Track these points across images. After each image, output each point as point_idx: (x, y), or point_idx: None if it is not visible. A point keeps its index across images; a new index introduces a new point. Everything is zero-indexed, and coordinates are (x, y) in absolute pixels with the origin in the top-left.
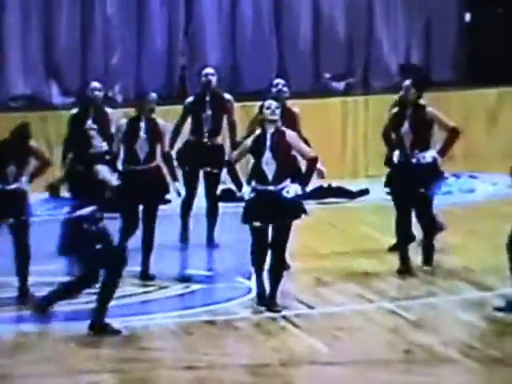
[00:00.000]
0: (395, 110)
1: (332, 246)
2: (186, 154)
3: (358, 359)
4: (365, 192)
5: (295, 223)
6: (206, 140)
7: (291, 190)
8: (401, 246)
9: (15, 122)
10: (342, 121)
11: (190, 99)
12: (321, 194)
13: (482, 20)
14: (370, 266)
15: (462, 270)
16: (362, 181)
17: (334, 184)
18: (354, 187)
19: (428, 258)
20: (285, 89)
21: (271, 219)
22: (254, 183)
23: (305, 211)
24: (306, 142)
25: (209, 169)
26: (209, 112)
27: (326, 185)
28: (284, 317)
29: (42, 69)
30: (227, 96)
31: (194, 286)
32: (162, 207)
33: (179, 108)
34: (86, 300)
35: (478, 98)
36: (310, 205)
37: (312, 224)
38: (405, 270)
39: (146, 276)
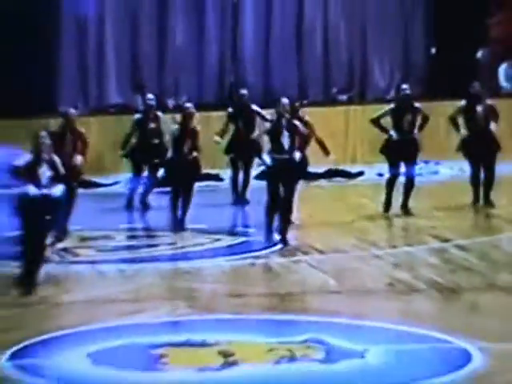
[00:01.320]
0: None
1: (338, 211)
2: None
3: (355, 289)
4: (361, 173)
5: (311, 196)
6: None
7: (297, 156)
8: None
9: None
10: (345, 123)
11: (230, 109)
12: (329, 174)
13: (442, 53)
14: (367, 226)
15: (428, 228)
16: (359, 165)
17: (339, 167)
18: (353, 170)
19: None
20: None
21: (285, 179)
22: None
23: (305, 175)
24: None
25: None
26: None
27: (333, 168)
28: (303, 260)
29: (130, 84)
30: (254, 107)
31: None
32: None
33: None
34: None
35: (440, 107)
36: (322, 183)
37: (324, 196)
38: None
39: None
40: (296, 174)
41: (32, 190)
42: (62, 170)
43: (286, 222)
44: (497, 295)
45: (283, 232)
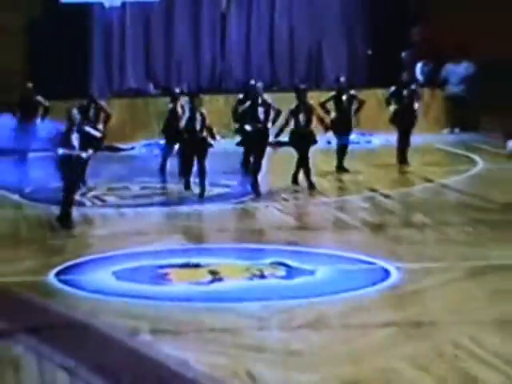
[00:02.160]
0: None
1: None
2: None
3: (309, 226)
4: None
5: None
6: None
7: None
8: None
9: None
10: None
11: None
12: None
13: (377, 53)
14: (318, 180)
15: (362, 181)
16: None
17: None
18: None
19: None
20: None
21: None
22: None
23: (316, 141)
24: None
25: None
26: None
27: None
28: (271, 205)
29: (143, 72)
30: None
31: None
32: None
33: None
34: None
35: (375, 93)
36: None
37: (289, 160)
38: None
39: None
40: (267, 141)
41: (67, 152)
42: (94, 134)
43: (256, 178)
44: (411, 229)
45: (256, 185)
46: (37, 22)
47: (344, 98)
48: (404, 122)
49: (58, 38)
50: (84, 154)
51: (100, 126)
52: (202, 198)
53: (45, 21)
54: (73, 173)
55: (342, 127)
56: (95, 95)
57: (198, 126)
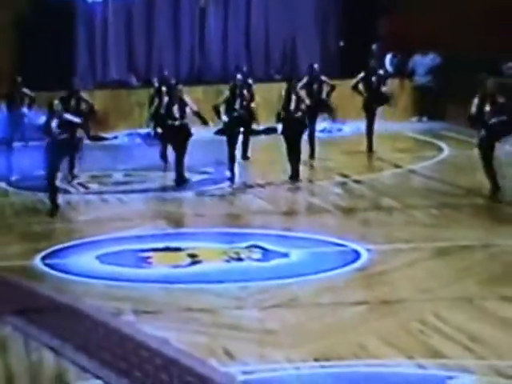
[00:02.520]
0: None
1: (273, 158)
2: None
3: (284, 211)
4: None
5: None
6: None
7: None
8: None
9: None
10: (279, 95)
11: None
12: (268, 131)
13: (348, 44)
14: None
15: (334, 168)
16: None
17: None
18: None
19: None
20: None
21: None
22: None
23: (306, 126)
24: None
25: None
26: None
27: (271, 126)
28: (248, 191)
29: (125, 64)
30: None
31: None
32: None
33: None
34: None
35: (346, 83)
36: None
37: (265, 147)
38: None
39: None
40: (245, 126)
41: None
42: (75, 120)
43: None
44: (380, 213)
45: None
46: (23, 17)
47: (315, 84)
48: (374, 106)
49: (43, 32)
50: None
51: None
52: (178, 185)
53: (31, 16)
54: (55, 160)
55: (313, 113)
56: (77, 86)
57: (176, 114)
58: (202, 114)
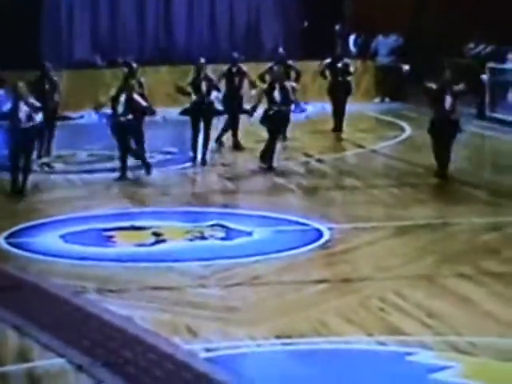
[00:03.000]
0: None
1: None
2: None
3: (247, 190)
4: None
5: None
6: None
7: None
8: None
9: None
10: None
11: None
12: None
13: (311, 25)
14: (256, 147)
15: (298, 148)
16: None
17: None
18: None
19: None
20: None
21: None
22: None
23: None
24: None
25: None
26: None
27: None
28: (212, 170)
29: (90, 44)
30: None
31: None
32: None
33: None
34: None
35: (310, 65)
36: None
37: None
38: None
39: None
40: (211, 111)
41: (15, 124)
42: (38, 106)
43: (205, 147)
44: (343, 192)
45: (204, 154)
46: None
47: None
48: (339, 93)
49: (9, 11)
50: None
51: (56, 96)
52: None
53: None
54: (18, 143)
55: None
56: (48, 68)
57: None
58: (168, 92)
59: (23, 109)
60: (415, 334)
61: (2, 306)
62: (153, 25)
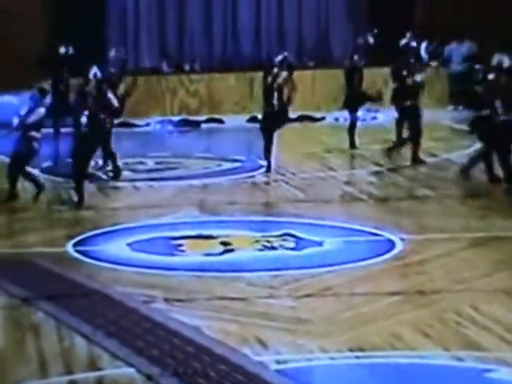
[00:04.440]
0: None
1: (306, 145)
2: None
3: (317, 199)
4: (323, 118)
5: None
6: None
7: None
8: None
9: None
10: (312, 82)
11: None
12: (301, 118)
13: (382, 33)
14: (325, 155)
15: (369, 156)
16: (322, 112)
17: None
18: (317, 115)
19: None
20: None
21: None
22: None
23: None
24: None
25: None
26: None
27: (303, 114)
28: (280, 179)
29: (157, 50)
30: None
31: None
32: None
33: None
34: None
35: (379, 72)
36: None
37: (296, 135)
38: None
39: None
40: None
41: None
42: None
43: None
44: (415, 202)
45: (269, 160)
46: (55, 3)
47: (356, 74)
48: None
49: (75, 18)
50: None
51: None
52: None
53: (63, 3)
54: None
55: (354, 103)
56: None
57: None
58: (236, 100)
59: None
60: (494, 350)
61: (69, 314)
62: (220, 32)
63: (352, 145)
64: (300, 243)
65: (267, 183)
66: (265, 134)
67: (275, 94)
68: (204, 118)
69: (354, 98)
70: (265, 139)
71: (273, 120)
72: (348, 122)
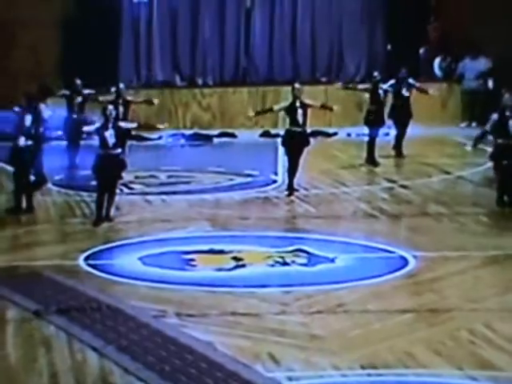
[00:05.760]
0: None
1: (319, 161)
2: None
3: (329, 215)
4: (335, 133)
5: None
6: None
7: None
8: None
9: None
10: (325, 97)
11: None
12: (314, 134)
13: (396, 49)
14: (338, 171)
15: (381, 172)
16: (334, 127)
17: (321, 129)
18: (330, 131)
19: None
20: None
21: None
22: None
23: (309, 142)
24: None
25: None
26: None
27: (316, 129)
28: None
29: (170, 64)
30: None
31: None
32: None
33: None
34: None
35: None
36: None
37: (309, 150)
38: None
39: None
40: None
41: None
42: (130, 126)
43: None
44: (427, 220)
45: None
46: (69, 17)
47: (380, 91)
48: (401, 116)
49: (89, 32)
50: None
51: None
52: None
53: (77, 16)
54: (107, 173)
55: (377, 119)
56: (122, 88)
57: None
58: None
59: (111, 133)
60: (508, 370)
61: (81, 327)
62: (233, 46)
63: (372, 162)
64: (312, 259)
65: (279, 198)
66: (289, 154)
67: (298, 114)
68: (216, 132)
69: (376, 115)
70: (288, 159)
71: (294, 140)
72: (367, 139)
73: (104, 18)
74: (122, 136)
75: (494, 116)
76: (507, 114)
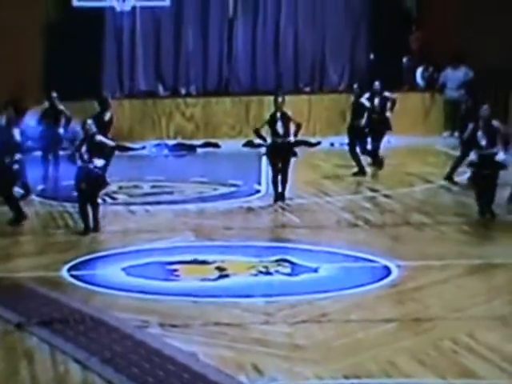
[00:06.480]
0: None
1: (302, 170)
2: None
3: (312, 225)
4: (319, 143)
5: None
6: None
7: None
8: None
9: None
10: (308, 107)
11: None
12: (297, 143)
13: (378, 59)
14: (321, 180)
15: (364, 182)
16: (318, 137)
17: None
18: (313, 140)
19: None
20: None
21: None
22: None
23: (296, 154)
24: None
25: None
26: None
27: (299, 139)
28: (276, 204)
29: (153, 74)
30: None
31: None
32: None
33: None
34: None
35: None
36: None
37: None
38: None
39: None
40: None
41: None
42: (108, 144)
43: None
44: (411, 229)
45: (283, 190)
46: (52, 26)
47: (376, 100)
48: (377, 129)
49: (72, 41)
50: (97, 165)
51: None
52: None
53: (59, 26)
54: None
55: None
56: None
57: (280, 130)
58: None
59: (89, 149)
60: (490, 379)
61: (64, 339)
62: (216, 55)
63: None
64: (296, 269)
65: (263, 208)
66: (272, 165)
67: (279, 126)
68: (200, 142)
69: (379, 125)
70: (272, 170)
71: (278, 152)
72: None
73: (87, 28)
74: (101, 150)
75: (470, 126)
76: (481, 124)
